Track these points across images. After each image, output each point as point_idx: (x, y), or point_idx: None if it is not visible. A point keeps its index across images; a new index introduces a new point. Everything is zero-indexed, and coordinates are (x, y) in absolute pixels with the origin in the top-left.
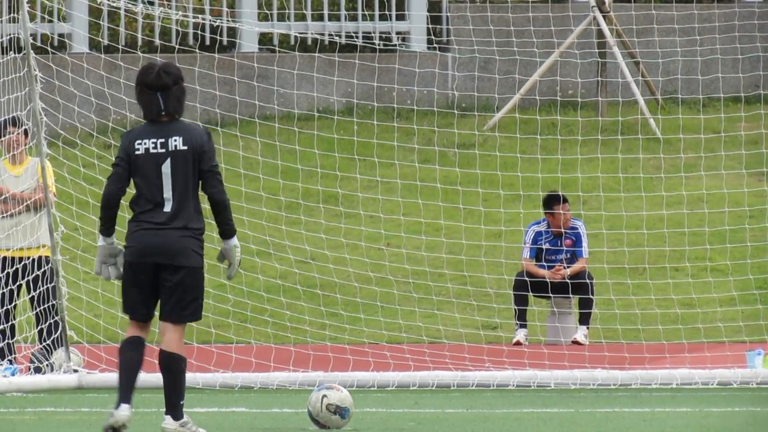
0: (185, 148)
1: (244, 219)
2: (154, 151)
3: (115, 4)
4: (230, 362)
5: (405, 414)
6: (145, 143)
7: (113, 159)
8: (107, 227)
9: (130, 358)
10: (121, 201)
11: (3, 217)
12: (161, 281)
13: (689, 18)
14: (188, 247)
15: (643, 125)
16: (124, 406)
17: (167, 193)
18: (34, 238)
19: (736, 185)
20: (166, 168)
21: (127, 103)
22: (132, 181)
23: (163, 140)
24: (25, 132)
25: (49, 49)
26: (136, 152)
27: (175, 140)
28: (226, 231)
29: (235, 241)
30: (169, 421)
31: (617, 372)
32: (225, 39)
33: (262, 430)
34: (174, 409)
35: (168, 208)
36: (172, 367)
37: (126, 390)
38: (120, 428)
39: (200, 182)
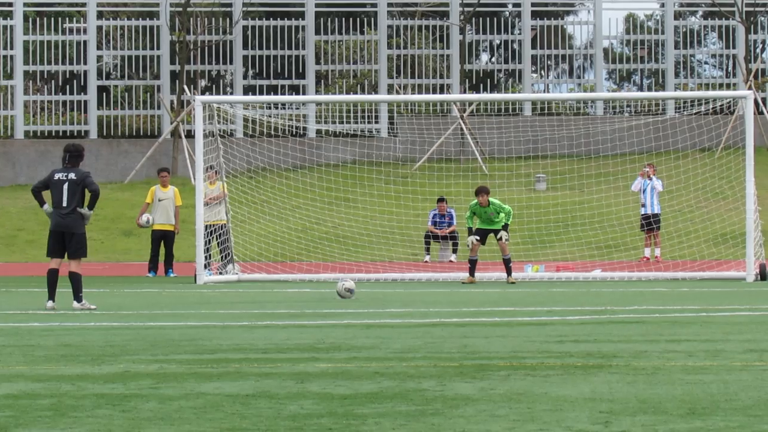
0: (75, 178)
1: (314, 207)
2: (62, 178)
3: (253, 117)
4: (303, 269)
5: (377, 291)
6: (57, 175)
7: (253, 183)
8: (41, 203)
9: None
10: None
11: (207, 206)
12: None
13: (499, 121)
14: (77, 224)
15: (479, 168)
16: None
17: (65, 200)
18: (217, 215)
19: (519, 192)
20: (65, 186)
21: (260, 160)
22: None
23: (65, 174)
24: (210, 168)
25: (225, 135)
26: (54, 178)
27: (71, 175)
28: (90, 206)
29: (89, 211)
30: (75, 304)
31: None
32: (301, 131)
33: (312, 299)
34: (77, 297)
35: (65, 204)
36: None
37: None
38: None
39: (85, 190)
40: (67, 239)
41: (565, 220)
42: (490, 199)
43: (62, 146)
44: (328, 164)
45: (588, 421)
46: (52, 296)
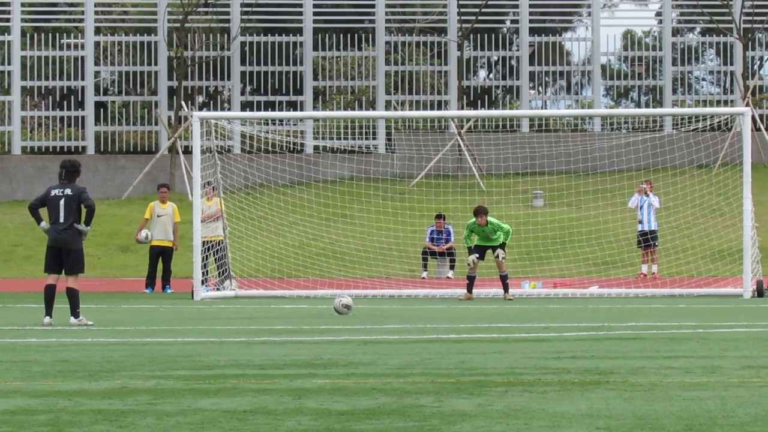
0: (71, 194)
1: (312, 223)
2: (59, 194)
3: (250, 133)
4: (300, 285)
5: (374, 308)
6: (54, 191)
7: (250, 199)
8: (38, 221)
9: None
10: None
11: (204, 223)
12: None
13: (496, 138)
14: (74, 240)
15: (477, 185)
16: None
17: (62, 216)
18: (215, 231)
19: (516, 209)
20: (62, 203)
21: (257, 177)
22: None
23: (62, 190)
24: (208, 184)
25: (222, 151)
26: (50, 195)
27: (67, 191)
28: (87, 222)
29: (87, 228)
30: (72, 320)
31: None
32: (298, 147)
33: (310, 315)
34: (74, 313)
35: (62, 220)
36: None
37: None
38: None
39: (81, 206)
40: (64, 255)
41: (563, 236)
42: (489, 218)
43: (59, 162)
44: (325, 180)
45: None
46: (49, 312)
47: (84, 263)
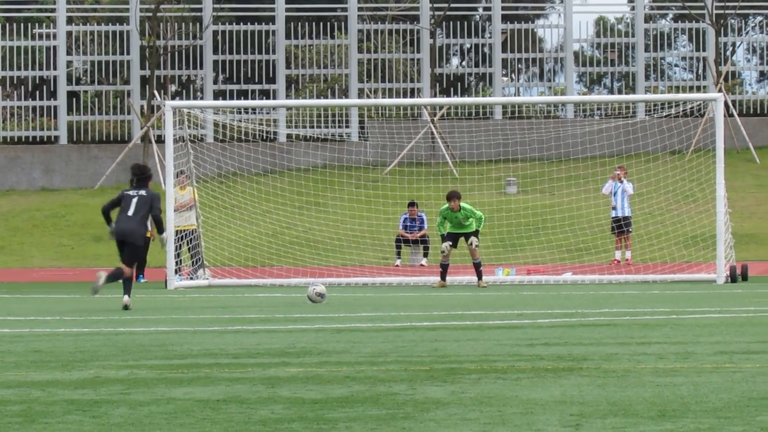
0: (144, 195)
1: (285, 211)
2: (132, 194)
3: (223, 121)
4: (273, 273)
5: (347, 296)
6: (128, 192)
7: (223, 188)
8: (108, 221)
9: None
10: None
11: (177, 212)
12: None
13: (469, 125)
14: (138, 234)
15: (450, 172)
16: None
17: (131, 210)
18: (188, 220)
19: (489, 196)
20: (135, 200)
21: (230, 165)
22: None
23: (137, 191)
24: (181, 173)
25: (195, 140)
26: (124, 194)
27: (141, 192)
28: (159, 231)
29: (164, 234)
30: (126, 298)
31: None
32: (271, 135)
33: (283, 303)
34: (128, 292)
35: (131, 214)
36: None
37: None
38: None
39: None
40: (127, 246)
41: (536, 223)
42: (462, 204)
43: (32, 152)
44: (298, 169)
45: (558, 423)
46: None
47: (141, 260)
